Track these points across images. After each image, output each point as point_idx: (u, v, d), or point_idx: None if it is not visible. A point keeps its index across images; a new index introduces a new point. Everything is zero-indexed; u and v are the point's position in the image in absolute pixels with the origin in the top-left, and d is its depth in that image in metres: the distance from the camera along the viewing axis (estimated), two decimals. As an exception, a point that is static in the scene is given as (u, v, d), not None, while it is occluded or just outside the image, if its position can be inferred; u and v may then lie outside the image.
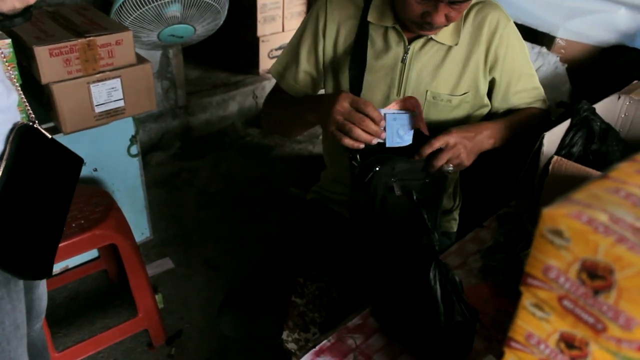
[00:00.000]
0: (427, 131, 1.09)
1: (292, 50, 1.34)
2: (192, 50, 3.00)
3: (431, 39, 1.23)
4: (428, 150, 1.09)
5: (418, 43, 1.23)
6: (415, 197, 1.06)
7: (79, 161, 1.06)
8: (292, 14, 3.30)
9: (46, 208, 0.99)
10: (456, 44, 1.24)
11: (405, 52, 1.23)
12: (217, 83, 3.34)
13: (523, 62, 1.31)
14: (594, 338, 0.44)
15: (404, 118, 1.09)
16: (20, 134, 0.92)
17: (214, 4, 2.29)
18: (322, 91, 1.36)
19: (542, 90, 1.36)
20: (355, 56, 1.23)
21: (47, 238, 1.00)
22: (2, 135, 0.90)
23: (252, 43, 3.30)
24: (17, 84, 1.00)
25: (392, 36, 1.24)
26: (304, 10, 3.35)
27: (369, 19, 1.24)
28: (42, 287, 1.20)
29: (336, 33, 1.28)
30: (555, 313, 0.46)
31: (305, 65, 1.32)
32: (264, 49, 3.32)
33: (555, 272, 0.44)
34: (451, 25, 1.22)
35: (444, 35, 1.23)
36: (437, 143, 1.10)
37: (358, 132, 1.05)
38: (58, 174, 1.03)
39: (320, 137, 2.30)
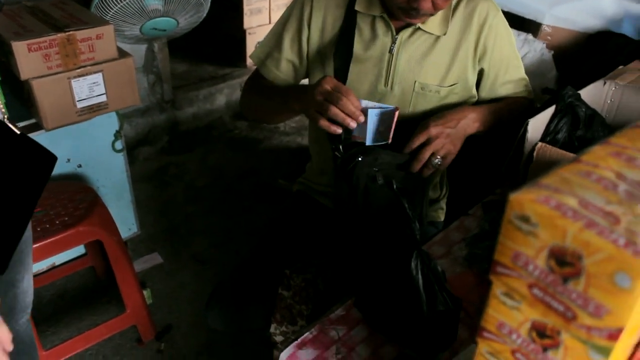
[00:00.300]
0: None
1: (275, 37, 1.32)
2: (178, 43, 2.97)
3: (419, 28, 1.21)
4: (412, 147, 1.09)
5: (406, 33, 1.22)
6: (395, 186, 1.05)
7: (51, 158, 1.04)
8: (278, 5, 3.26)
9: (5, 204, 0.97)
10: (444, 34, 1.22)
11: (393, 42, 1.22)
12: (204, 76, 3.31)
13: (510, 53, 1.31)
14: (564, 326, 0.43)
15: (385, 113, 1.08)
16: None
17: (196, -5, 2.27)
18: (304, 81, 1.35)
19: (527, 80, 1.36)
20: (341, 45, 1.21)
21: (4, 235, 0.97)
22: None
23: (238, 35, 3.27)
24: None
25: (380, 26, 1.22)
26: (290, 1, 3.32)
27: (357, 7, 1.22)
28: (26, 282, 1.18)
29: (322, 22, 1.26)
30: (525, 301, 0.45)
31: (288, 53, 1.30)
32: (250, 42, 3.29)
33: (524, 259, 0.43)
34: (439, 15, 1.21)
35: (432, 24, 1.21)
36: (419, 140, 1.10)
37: (335, 111, 1.04)
38: (25, 170, 1.00)
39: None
